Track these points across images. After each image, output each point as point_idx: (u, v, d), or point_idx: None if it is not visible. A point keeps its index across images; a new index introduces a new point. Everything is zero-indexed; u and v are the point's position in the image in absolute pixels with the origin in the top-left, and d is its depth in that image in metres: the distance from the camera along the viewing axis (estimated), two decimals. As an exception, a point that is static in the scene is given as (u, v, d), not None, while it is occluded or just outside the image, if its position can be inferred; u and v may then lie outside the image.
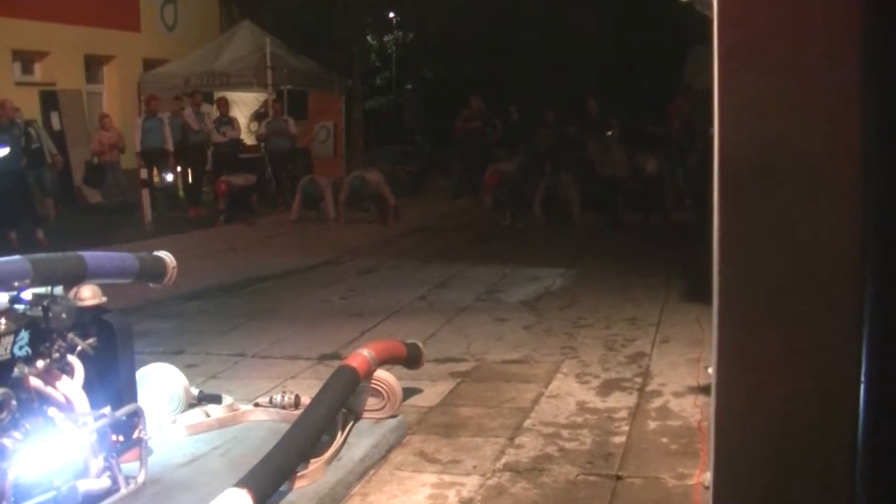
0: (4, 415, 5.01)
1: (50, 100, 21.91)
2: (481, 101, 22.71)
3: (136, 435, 5.79)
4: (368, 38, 35.11)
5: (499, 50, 29.25)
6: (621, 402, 7.35)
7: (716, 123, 3.07)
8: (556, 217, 18.01)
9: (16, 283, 5.49)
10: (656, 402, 7.28)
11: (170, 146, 20.60)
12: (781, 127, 2.95)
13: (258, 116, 22.97)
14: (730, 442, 3.15)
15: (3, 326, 5.30)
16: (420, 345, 7.92)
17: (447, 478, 6.03)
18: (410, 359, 7.67)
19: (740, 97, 3.00)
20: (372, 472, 6.15)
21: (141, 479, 5.75)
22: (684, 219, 16.22)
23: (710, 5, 3.18)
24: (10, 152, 16.68)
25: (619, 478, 5.90)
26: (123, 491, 5.58)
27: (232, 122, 21.96)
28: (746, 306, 3.05)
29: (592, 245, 15.09)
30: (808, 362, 2.99)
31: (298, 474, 5.73)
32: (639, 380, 7.86)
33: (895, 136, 2.76)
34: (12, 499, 4.82)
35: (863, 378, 2.84)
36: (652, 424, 6.84)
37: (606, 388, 7.68)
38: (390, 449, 6.51)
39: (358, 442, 6.40)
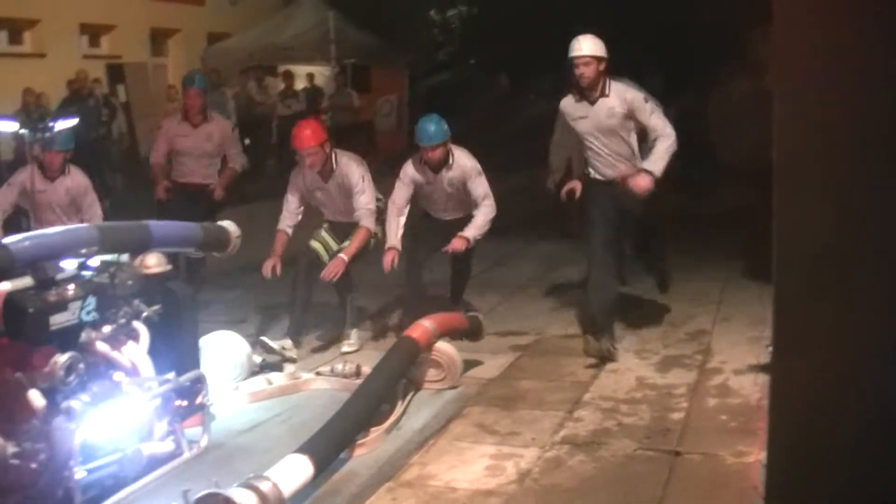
0: (72, 378, 5.11)
1: (116, 73, 22.10)
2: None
3: (199, 401, 5.89)
4: (432, 12, 34.99)
5: (561, 28, 28.89)
6: (681, 378, 7.33)
7: (775, 102, 3.06)
8: None
9: (83, 251, 5.59)
10: (716, 380, 7.25)
11: (233, 119, 20.73)
12: (839, 105, 2.93)
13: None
14: (785, 420, 3.14)
15: (71, 292, 5.41)
16: (481, 317, 7.95)
17: (506, 449, 6.06)
18: (471, 331, 7.70)
19: (797, 75, 2.98)
20: (431, 442, 6.20)
21: (203, 443, 5.85)
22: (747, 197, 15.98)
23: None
24: (80, 124, 16.88)
25: (677, 453, 5.89)
26: (186, 455, 5.68)
27: (297, 96, 22.05)
28: (803, 286, 3.04)
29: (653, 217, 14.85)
30: (864, 342, 2.97)
31: (358, 442, 5.79)
32: (699, 357, 7.82)
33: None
34: (80, 459, 4.92)
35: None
36: (711, 401, 6.81)
37: (666, 365, 7.66)
38: (449, 420, 6.56)
39: (417, 412, 6.45)
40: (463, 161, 8.50)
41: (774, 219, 3.07)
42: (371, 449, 5.85)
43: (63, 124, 15.61)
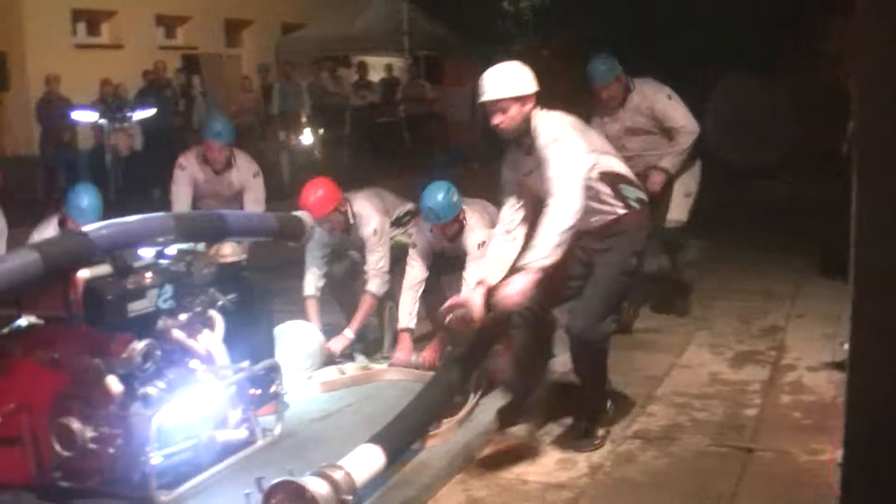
0: (149, 365, 5.17)
1: (192, 63, 22.35)
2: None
3: (272, 389, 5.94)
4: (504, 3, 34.92)
5: (633, 17, 28.38)
6: (754, 374, 7.28)
7: (855, 94, 3.02)
8: None
9: (160, 239, 5.66)
10: (790, 377, 7.19)
11: (306, 110, 20.92)
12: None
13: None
14: (862, 419, 3.11)
15: (148, 280, 5.48)
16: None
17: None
18: None
19: (882, 65, 2.94)
20: (503, 435, 6.20)
21: (277, 432, 5.90)
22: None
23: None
24: (157, 113, 17.18)
25: (749, 450, 5.85)
26: (260, 443, 5.74)
27: (370, 86, 22.16)
28: (882, 283, 3.00)
29: (729, 214, 14.70)
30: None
31: (430, 433, 5.80)
32: (773, 353, 7.76)
33: None
34: (156, 445, 4.99)
35: None
36: (785, 398, 6.76)
37: (739, 361, 7.61)
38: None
39: (491, 404, 6.44)
40: (471, 230, 7.18)
41: (854, 215, 3.04)
42: (444, 440, 5.86)
43: (141, 114, 15.86)
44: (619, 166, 5.88)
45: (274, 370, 5.99)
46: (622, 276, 5.83)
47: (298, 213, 7.19)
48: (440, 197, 7.00)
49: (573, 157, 5.47)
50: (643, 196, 5.95)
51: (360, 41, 23.46)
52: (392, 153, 21.18)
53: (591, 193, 5.58)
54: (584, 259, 5.88)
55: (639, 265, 6.04)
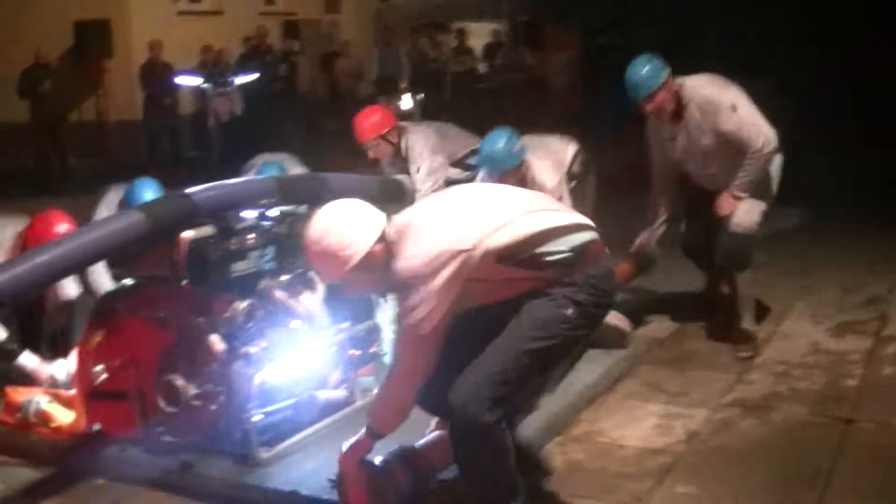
0: (251, 324, 5.27)
1: (291, 29, 22.51)
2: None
3: (372, 350, 5.99)
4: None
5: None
6: (855, 345, 7.15)
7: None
8: None
9: (263, 201, 5.75)
10: (892, 348, 7.05)
11: (405, 75, 21.02)
12: None
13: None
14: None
15: (251, 241, 5.57)
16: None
17: (674, 409, 6.04)
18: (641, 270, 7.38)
19: None
20: (600, 399, 6.20)
21: (376, 392, 5.95)
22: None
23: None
24: (258, 79, 17.39)
25: (849, 421, 5.77)
26: (359, 403, 5.80)
27: (471, 52, 22.17)
28: None
29: (828, 185, 14.43)
30: None
31: (527, 397, 5.79)
32: (875, 324, 7.61)
33: None
34: (257, 403, 5.08)
35: None
36: (887, 370, 6.65)
37: (840, 330, 7.48)
38: (619, 378, 6.54)
39: (587, 369, 6.41)
40: None
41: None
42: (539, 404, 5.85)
43: (242, 79, 16.08)
44: (528, 228, 4.17)
45: (374, 331, 6.05)
46: (542, 329, 4.14)
47: (399, 177, 7.23)
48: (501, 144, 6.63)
49: (421, 318, 4.00)
50: (578, 241, 4.24)
51: (459, 7, 23.44)
52: (492, 119, 21.20)
53: (496, 284, 4.17)
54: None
55: (580, 315, 4.18)
